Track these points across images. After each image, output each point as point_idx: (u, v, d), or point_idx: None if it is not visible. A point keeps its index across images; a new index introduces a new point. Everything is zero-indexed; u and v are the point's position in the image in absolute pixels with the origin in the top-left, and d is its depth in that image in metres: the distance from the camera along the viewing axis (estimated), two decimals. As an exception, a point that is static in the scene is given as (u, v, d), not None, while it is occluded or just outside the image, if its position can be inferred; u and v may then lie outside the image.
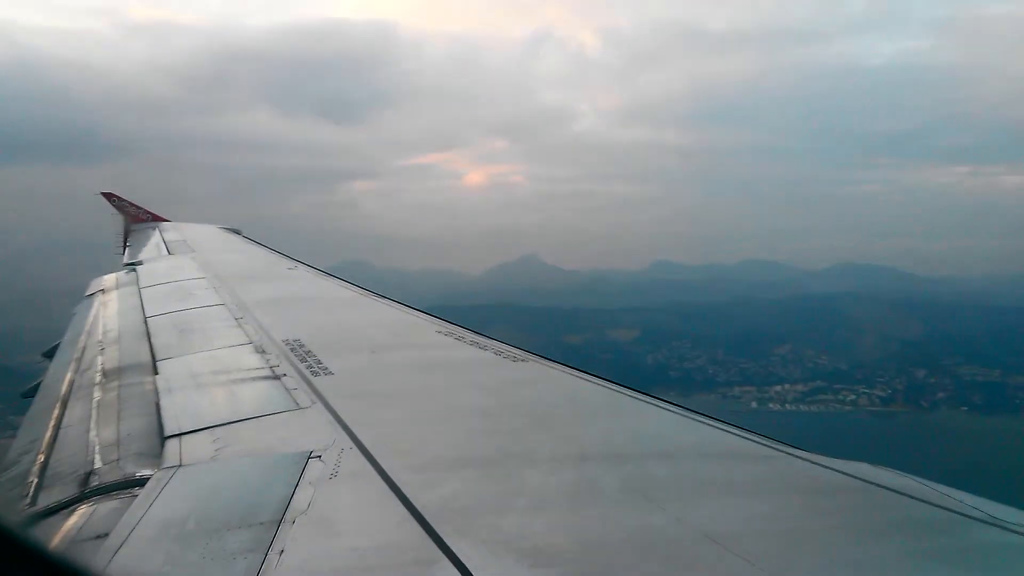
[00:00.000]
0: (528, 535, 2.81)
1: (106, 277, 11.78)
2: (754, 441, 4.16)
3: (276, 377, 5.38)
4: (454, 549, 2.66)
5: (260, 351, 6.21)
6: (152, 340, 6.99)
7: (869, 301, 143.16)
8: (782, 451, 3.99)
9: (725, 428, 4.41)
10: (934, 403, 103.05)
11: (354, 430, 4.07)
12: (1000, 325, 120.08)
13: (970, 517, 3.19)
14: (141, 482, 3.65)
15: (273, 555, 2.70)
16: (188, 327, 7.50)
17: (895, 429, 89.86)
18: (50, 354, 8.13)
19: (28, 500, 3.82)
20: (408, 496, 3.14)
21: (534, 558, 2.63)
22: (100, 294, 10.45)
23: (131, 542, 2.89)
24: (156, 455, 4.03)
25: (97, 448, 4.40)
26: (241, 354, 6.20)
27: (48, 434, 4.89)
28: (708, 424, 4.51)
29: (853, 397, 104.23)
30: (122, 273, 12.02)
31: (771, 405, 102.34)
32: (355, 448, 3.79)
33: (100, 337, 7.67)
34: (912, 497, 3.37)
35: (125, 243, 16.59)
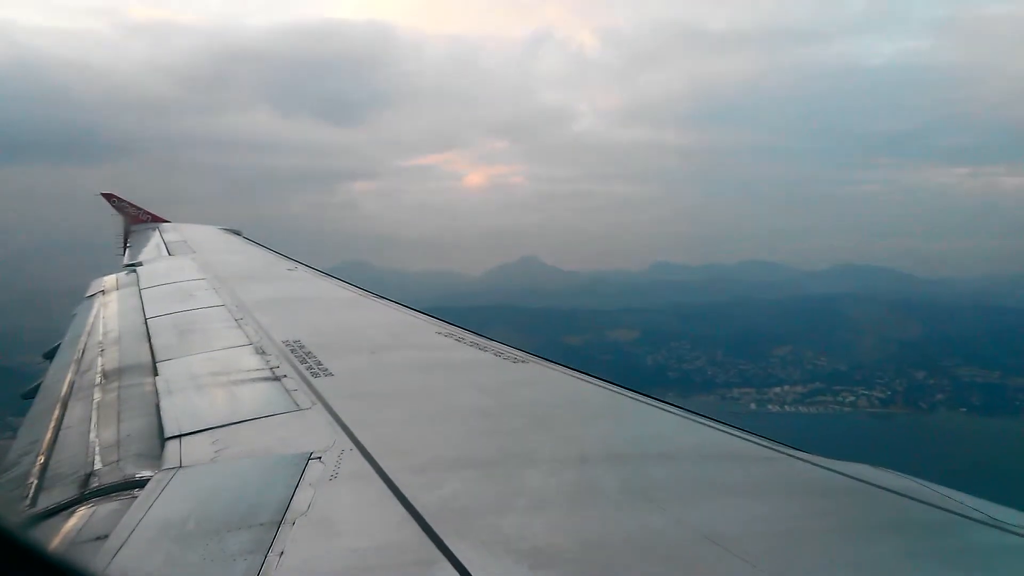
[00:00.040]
0: (528, 536, 2.81)
1: (106, 278, 11.78)
2: (754, 442, 4.16)
3: (276, 378, 5.38)
4: (454, 550, 2.66)
5: (260, 352, 6.21)
6: (152, 341, 7.00)
7: (868, 302, 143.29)
8: (782, 452, 3.99)
9: (725, 429, 4.41)
10: (933, 404, 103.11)
11: (354, 431, 4.08)
12: (999, 326, 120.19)
13: (970, 518, 3.19)
14: (141, 483, 3.65)
15: (273, 556, 2.70)
16: (188, 328, 7.50)
17: (894, 430, 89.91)
18: (50, 355, 8.13)
19: (28, 501, 3.82)
20: (408, 497, 3.14)
21: (534, 559, 2.63)
22: (100, 295, 10.46)
23: (131, 543, 2.89)
24: (156, 456, 4.03)
25: (97, 449, 4.40)
26: (241, 355, 6.20)
27: (48, 435, 4.88)
28: (708, 425, 4.51)
29: (852, 398, 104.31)
30: (122, 274, 12.02)
31: (770, 406, 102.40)
32: (355, 449, 3.80)
33: (100, 338, 7.67)
34: (912, 498, 3.38)
35: (125, 244, 16.60)
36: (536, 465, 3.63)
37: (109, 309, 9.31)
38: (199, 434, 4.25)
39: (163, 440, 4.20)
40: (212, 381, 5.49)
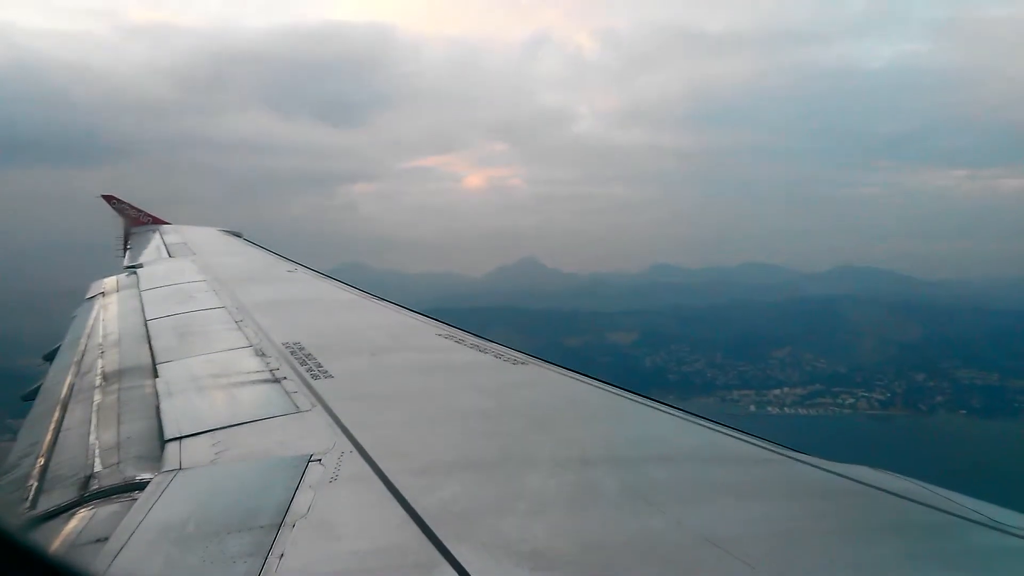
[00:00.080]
0: (528, 538, 2.81)
1: (106, 280, 11.79)
2: (754, 444, 4.16)
3: (276, 380, 5.38)
4: (454, 552, 2.66)
5: (260, 354, 6.21)
6: (152, 343, 7.00)
7: (868, 304, 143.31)
8: (782, 454, 3.99)
9: (724, 431, 4.41)
10: (933, 406, 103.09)
11: (354, 433, 4.08)
12: (998, 328, 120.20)
13: (970, 520, 3.20)
14: (141, 485, 3.65)
15: (273, 559, 2.70)
16: (188, 330, 7.50)
17: (894, 432, 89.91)
18: (50, 357, 8.13)
19: (28, 503, 3.82)
20: (408, 499, 3.14)
21: (534, 561, 2.63)
22: (100, 297, 10.47)
23: (131, 546, 2.89)
24: (156, 458, 4.03)
25: (97, 451, 4.40)
26: (241, 357, 6.20)
27: (48, 437, 4.89)
28: (707, 427, 4.51)
29: (852, 400, 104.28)
30: (122, 276, 12.03)
31: (770, 408, 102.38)
32: (355, 451, 3.80)
33: (100, 340, 7.67)
34: (912, 500, 3.38)
35: (125, 246, 16.60)
36: (536, 467, 3.63)
37: (109, 311, 9.32)
38: (199, 436, 4.25)
39: (163, 442, 4.20)
40: (212, 383, 5.50)
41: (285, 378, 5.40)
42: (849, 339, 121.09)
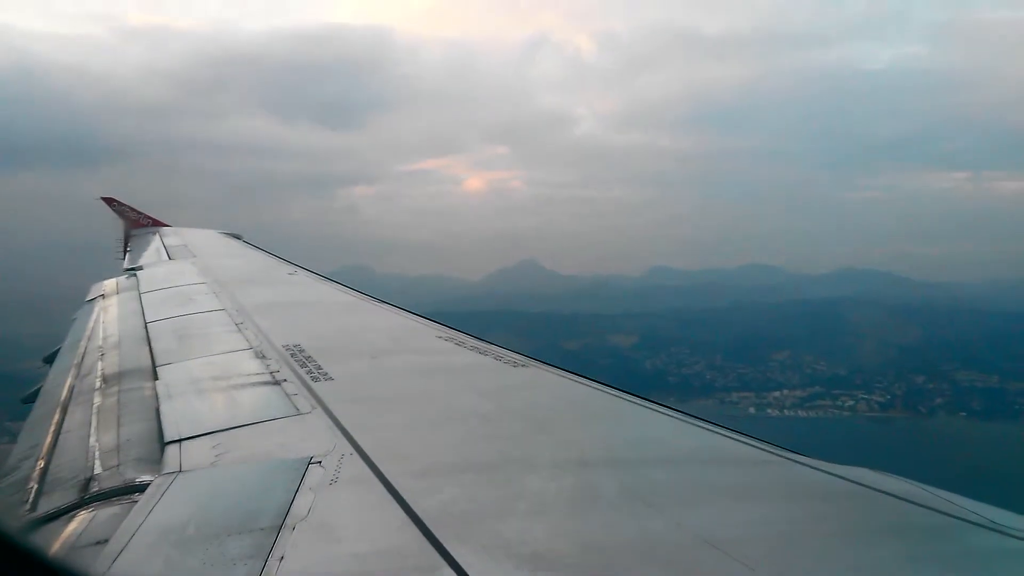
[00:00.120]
0: (528, 540, 2.81)
1: (106, 282, 11.79)
2: (753, 446, 4.16)
3: (276, 382, 5.38)
4: (454, 554, 2.66)
5: (260, 356, 6.21)
6: (152, 345, 7.00)
7: (868, 306, 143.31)
8: (781, 456, 3.99)
9: (724, 433, 4.41)
10: (932, 409, 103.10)
11: (354, 435, 4.08)
12: (998, 331, 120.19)
13: (970, 522, 3.20)
14: (141, 488, 3.65)
15: (273, 561, 2.70)
16: (188, 332, 7.50)
17: (894, 434, 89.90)
18: (50, 359, 8.13)
19: (28, 506, 3.82)
20: (408, 501, 3.14)
21: (534, 563, 2.63)
22: (100, 299, 10.46)
23: (131, 548, 2.89)
24: (156, 461, 4.03)
25: (97, 454, 4.40)
26: (241, 359, 6.20)
27: (48, 440, 4.89)
28: (707, 429, 4.51)
29: (852, 403, 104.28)
30: (122, 278, 12.03)
31: (769, 411, 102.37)
32: (355, 453, 3.79)
33: (100, 342, 7.68)
34: (912, 502, 3.38)
35: (125, 248, 16.61)
36: (536, 469, 3.63)
37: (109, 313, 9.32)
38: (199, 438, 4.25)
39: (163, 444, 4.20)
40: (212, 385, 5.50)
41: (285, 380, 5.40)
42: (849, 341, 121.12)
